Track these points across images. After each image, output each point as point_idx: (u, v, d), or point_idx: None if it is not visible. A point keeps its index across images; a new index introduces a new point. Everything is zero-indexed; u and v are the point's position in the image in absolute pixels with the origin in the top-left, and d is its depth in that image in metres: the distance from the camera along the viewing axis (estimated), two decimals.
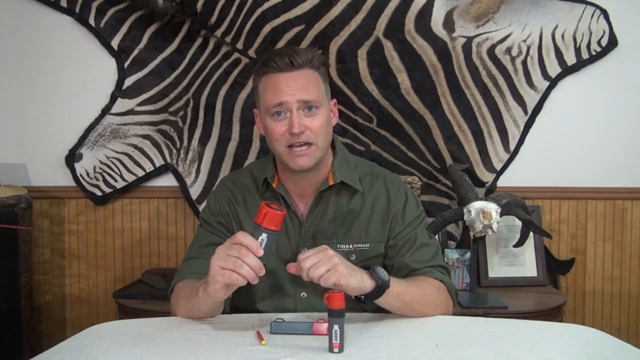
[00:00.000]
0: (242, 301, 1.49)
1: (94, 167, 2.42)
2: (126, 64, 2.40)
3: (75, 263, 2.49)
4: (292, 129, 1.35)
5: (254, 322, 1.31)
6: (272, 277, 1.45)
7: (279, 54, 1.39)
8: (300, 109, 1.37)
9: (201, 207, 2.41)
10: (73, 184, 2.43)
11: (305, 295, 1.44)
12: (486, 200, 2.15)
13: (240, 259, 1.15)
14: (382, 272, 1.28)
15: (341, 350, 1.14)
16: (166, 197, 2.47)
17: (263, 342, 1.18)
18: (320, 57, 1.42)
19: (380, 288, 1.27)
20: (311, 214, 1.46)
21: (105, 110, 2.41)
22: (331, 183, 1.45)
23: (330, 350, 1.14)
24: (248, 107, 2.40)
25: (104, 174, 2.43)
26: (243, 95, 2.40)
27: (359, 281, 1.24)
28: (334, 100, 1.49)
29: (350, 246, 1.45)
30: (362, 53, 2.37)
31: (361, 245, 1.46)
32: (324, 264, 1.20)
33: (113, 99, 2.41)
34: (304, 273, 1.21)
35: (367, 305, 1.32)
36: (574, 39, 2.38)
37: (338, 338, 1.14)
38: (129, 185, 2.44)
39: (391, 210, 1.47)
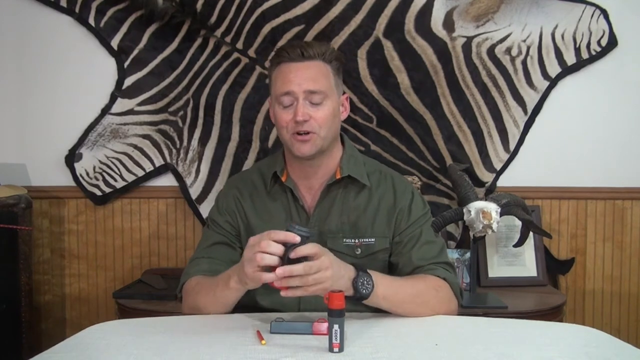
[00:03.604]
0: (244, 298, 1.50)
1: (94, 167, 2.42)
2: (126, 64, 2.40)
3: (75, 263, 2.49)
4: (296, 117, 1.39)
5: (254, 322, 1.31)
6: None
7: (292, 45, 1.44)
8: (307, 99, 1.40)
9: (201, 207, 2.41)
10: (73, 184, 2.43)
11: None
12: (486, 200, 2.15)
13: (261, 252, 1.19)
14: (365, 284, 1.28)
15: (341, 350, 1.14)
16: (166, 197, 2.47)
17: (263, 342, 1.18)
18: (333, 52, 1.46)
19: (359, 299, 1.29)
20: (318, 207, 1.48)
21: (105, 110, 2.41)
22: (339, 177, 1.48)
23: (330, 350, 1.14)
24: (248, 107, 2.40)
25: (104, 173, 2.43)
26: (243, 95, 2.40)
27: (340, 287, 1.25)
28: (346, 95, 1.51)
29: (356, 240, 1.47)
30: (362, 53, 2.37)
31: (367, 240, 1.47)
32: (313, 278, 1.20)
33: (113, 98, 2.41)
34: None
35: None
36: (574, 39, 2.38)
37: (338, 338, 1.14)
38: (128, 185, 2.44)
39: (397, 207, 1.49)
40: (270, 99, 1.49)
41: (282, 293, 1.21)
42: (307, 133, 1.40)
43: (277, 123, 1.45)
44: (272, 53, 1.49)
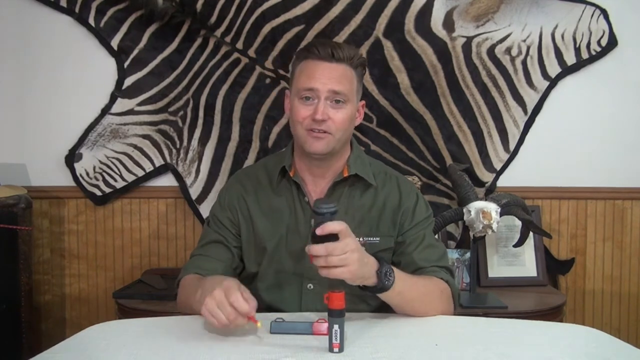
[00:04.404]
0: None
1: (94, 167, 2.42)
2: (126, 64, 2.40)
3: (75, 263, 2.49)
4: (316, 115, 1.39)
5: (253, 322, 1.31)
6: (279, 268, 1.48)
7: (323, 43, 1.43)
8: (329, 99, 1.40)
9: (201, 207, 2.41)
10: (73, 184, 2.43)
11: (312, 287, 1.46)
12: (486, 200, 2.15)
13: (232, 321, 1.17)
14: (387, 275, 1.29)
15: (341, 350, 1.14)
16: (166, 197, 2.47)
17: (258, 324, 1.17)
18: (360, 58, 1.46)
19: (379, 290, 1.29)
20: None
21: (105, 110, 2.41)
22: (346, 175, 1.49)
23: (330, 350, 1.14)
24: (248, 107, 2.40)
25: (104, 174, 2.43)
26: (243, 95, 2.40)
27: (364, 278, 1.26)
28: (363, 102, 1.52)
29: (361, 239, 1.46)
30: (362, 53, 2.37)
31: (371, 239, 1.47)
32: (339, 259, 1.19)
33: (113, 98, 2.41)
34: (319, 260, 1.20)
35: (367, 295, 1.32)
36: (574, 39, 2.38)
37: (338, 338, 1.14)
38: (128, 185, 2.44)
39: (402, 207, 1.50)
40: (289, 91, 1.49)
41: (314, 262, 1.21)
42: (323, 132, 1.41)
43: (293, 117, 1.44)
44: (300, 48, 1.47)
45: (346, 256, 1.19)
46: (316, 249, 1.18)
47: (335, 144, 1.43)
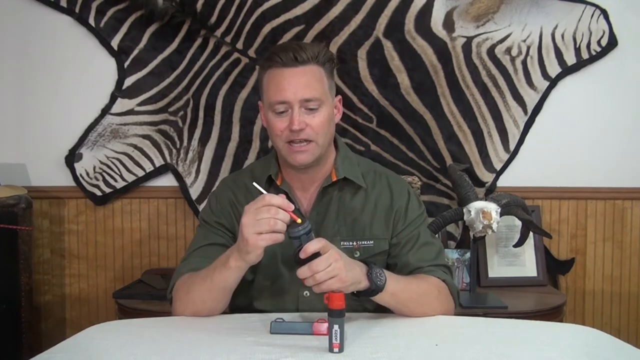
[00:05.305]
0: (240, 300, 1.49)
1: (94, 167, 2.42)
2: (126, 64, 2.40)
3: (75, 263, 2.49)
4: (292, 126, 1.35)
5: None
6: (273, 276, 1.45)
7: (284, 48, 1.39)
8: (302, 107, 1.37)
9: (201, 207, 2.41)
10: (73, 184, 2.43)
11: (308, 294, 1.43)
12: (486, 200, 2.15)
13: (274, 218, 1.19)
14: (379, 275, 1.29)
15: (341, 350, 1.14)
16: (166, 197, 2.47)
17: (299, 220, 1.19)
18: (326, 53, 1.41)
19: (373, 292, 1.29)
20: (314, 210, 1.46)
21: (105, 110, 2.41)
22: (334, 179, 1.45)
23: (330, 350, 1.14)
24: (248, 107, 2.40)
25: (104, 174, 2.43)
26: (243, 95, 2.40)
27: (355, 283, 1.25)
28: (339, 97, 1.48)
29: (354, 243, 1.45)
30: (362, 53, 2.37)
31: (365, 242, 1.46)
32: (326, 273, 1.19)
33: (113, 99, 2.41)
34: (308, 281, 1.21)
35: (362, 300, 1.32)
36: (574, 39, 2.38)
37: (338, 338, 1.14)
38: (129, 185, 2.44)
39: (394, 207, 1.48)
40: (262, 103, 1.45)
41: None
42: (306, 142, 1.37)
43: (271, 130, 1.41)
44: (263, 57, 1.44)
45: (331, 267, 1.19)
46: (300, 272, 1.19)
47: (319, 150, 1.40)
